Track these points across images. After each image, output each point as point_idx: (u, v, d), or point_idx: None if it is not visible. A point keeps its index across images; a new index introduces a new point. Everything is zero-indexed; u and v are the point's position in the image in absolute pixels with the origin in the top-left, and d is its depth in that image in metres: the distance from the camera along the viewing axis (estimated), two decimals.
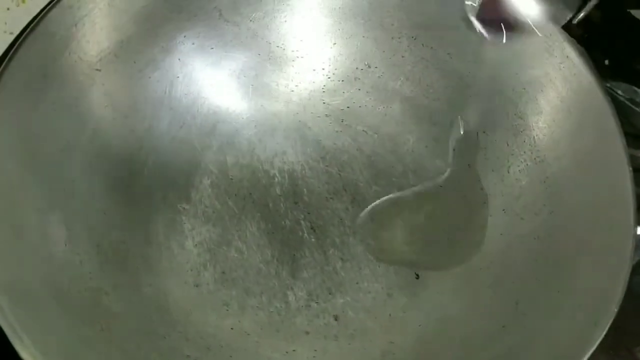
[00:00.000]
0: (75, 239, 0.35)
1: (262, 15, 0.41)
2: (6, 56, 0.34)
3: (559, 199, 0.37)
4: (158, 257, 0.38)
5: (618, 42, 0.50)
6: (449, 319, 0.38)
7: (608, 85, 0.46)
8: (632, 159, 0.35)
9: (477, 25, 0.38)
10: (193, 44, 0.40)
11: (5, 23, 0.38)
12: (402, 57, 0.42)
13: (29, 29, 0.34)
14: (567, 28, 0.38)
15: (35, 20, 0.35)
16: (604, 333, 0.31)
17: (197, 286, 0.39)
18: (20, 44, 0.34)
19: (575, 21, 0.39)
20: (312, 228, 0.41)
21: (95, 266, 0.36)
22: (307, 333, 0.38)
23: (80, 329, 0.33)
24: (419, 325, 0.38)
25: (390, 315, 0.39)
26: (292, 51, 0.43)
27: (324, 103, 0.43)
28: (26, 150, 0.34)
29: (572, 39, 0.37)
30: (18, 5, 0.38)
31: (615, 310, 0.31)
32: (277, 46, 0.43)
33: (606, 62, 0.50)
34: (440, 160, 0.42)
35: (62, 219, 0.35)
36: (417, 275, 0.40)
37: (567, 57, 0.38)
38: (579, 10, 0.39)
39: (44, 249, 0.34)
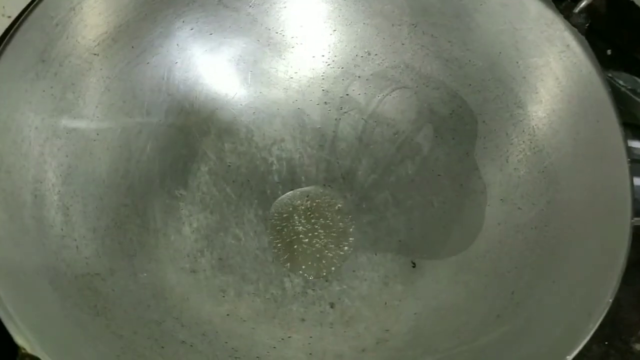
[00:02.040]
0: (72, 224, 0.36)
1: (262, 1, 0.41)
2: (4, 39, 0.34)
3: (556, 189, 0.37)
4: (155, 242, 0.39)
5: (622, 32, 0.49)
6: (444, 307, 0.38)
7: (609, 75, 0.46)
8: (631, 150, 0.35)
9: None
10: (192, 29, 0.40)
11: (4, 7, 0.37)
12: (403, 44, 0.42)
13: (27, 12, 0.34)
14: (569, 17, 0.38)
15: (34, 4, 0.34)
16: (598, 324, 0.31)
17: (193, 272, 0.39)
18: (18, 28, 0.34)
19: (576, 10, 0.39)
20: (309, 216, 0.41)
21: (92, 251, 0.36)
22: (303, 320, 0.38)
23: (76, 314, 0.33)
24: (415, 314, 0.38)
25: (386, 303, 0.39)
26: (292, 37, 0.43)
27: (323, 90, 0.43)
28: (22, 134, 0.34)
29: (573, 28, 0.37)
30: None
31: (610, 301, 0.31)
32: (277, 32, 0.42)
33: (609, 52, 0.49)
34: (439, 149, 0.42)
35: (58, 204, 0.35)
36: (414, 263, 0.40)
37: (568, 46, 0.37)
38: None
39: (41, 234, 0.34)
